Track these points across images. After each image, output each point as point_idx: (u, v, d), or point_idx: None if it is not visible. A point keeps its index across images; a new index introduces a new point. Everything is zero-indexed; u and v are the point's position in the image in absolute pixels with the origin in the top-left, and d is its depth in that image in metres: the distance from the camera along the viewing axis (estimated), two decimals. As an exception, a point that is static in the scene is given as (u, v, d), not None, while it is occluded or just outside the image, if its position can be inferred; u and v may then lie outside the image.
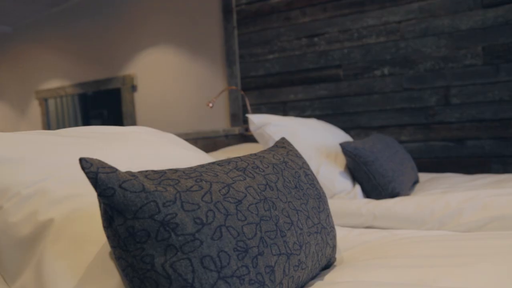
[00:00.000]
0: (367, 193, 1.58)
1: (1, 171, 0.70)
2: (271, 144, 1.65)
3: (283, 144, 0.95)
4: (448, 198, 1.31)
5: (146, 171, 0.61)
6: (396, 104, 2.73)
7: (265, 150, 0.88)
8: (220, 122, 3.29)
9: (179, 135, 1.96)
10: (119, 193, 0.55)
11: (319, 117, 2.94)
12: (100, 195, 0.55)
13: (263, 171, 0.76)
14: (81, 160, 0.55)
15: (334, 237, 0.88)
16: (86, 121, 4.32)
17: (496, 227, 1.21)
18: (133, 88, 3.64)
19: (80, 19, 3.91)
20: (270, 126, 1.65)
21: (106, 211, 0.56)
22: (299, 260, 0.70)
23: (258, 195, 0.68)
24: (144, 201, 0.55)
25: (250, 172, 0.73)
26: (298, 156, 0.92)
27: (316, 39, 2.97)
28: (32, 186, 0.69)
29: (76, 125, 4.24)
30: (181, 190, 0.59)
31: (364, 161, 1.53)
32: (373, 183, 1.54)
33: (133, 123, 3.67)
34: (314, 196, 0.84)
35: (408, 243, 0.93)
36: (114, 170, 0.56)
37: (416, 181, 1.85)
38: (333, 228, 0.88)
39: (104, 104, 4.23)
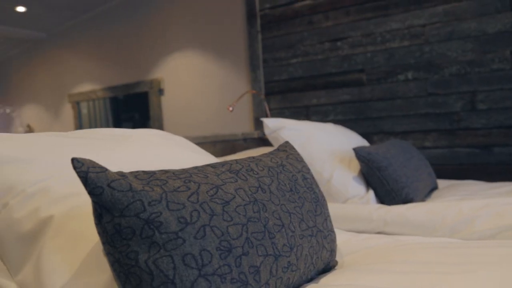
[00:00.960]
0: (381, 198, 1.57)
1: (9, 170, 0.74)
2: (285, 148, 1.66)
3: (284, 148, 0.96)
4: (461, 205, 1.28)
5: (137, 171, 0.64)
6: (420, 109, 2.68)
7: (265, 154, 0.90)
8: (243, 125, 3.32)
9: (197, 138, 2.00)
10: (107, 191, 0.58)
11: (342, 121, 2.93)
12: (90, 193, 0.57)
13: (257, 173, 0.77)
14: (73, 160, 0.58)
15: (333, 240, 0.88)
16: (118, 124, 4.44)
17: (510, 236, 1.17)
18: (160, 91, 3.72)
19: (110, 24, 4.04)
20: (284, 130, 1.66)
21: (96, 209, 0.58)
22: (289, 262, 0.71)
23: (248, 197, 0.70)
24: (131, 200, 0.58)
25: (243, 175, 0.75)
26: (299, 160, 0.93)
27: (339, 43, 2.95)
28: (36, 185, 0.73)
29: (108, 127, 4.37)
30: (168, 190, 0.61)
31: (377, 166, 1.52)
32: (387, 188, 1.52)
33: (160, 126, 3.75)
34: (310, 199, 0.84)
35: (410, 249, 0.92)
36: (104, 170, 0.59)
37: (434, 188, 1.82)
38: (332, 232, 0.88)
39: (134, 107, 4.34)
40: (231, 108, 2.28)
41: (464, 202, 1.29)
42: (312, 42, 3.05)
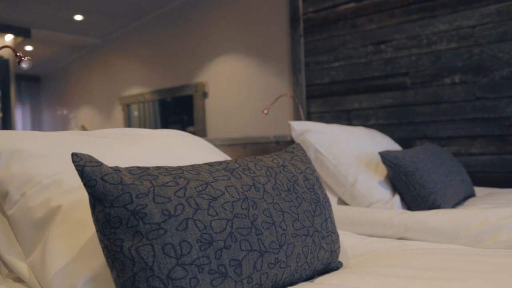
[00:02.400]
0: (408, 204, 1.53)
1: (30, 164, 0.83)
2: (311, 151, 1.67)
3: (292, 149, 0.98)
4: (487, 213, 1.23)
5: (132, 167, 0.69)
6: (467, 114, 2.57)
7: (269, 154, 0.92)
8: (283, 128, 3.35)
9: (227, 139, 2.05)
10: (100, 184, 0.63)
11: (383, 126, 2.87)
12: (85, 185, 0.63)
13: (254, 173, 0.80)
14: (73, 155, 0.64)
15: (333, 242, 0.89)
16: (165, 126, 4.60)
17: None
18: (204, 95, 3.84)
19: (159, 30, 4.22)
20: (311, 133, 1.67)
21: (90, 200, 0.64)
22: (277, 258, 0.73)
23: (239, 194, 0.73)
24: (120, 192, 0.63)
25: (238, 173, 0.78)
26: (304, 161, 0.95)
27: (382, 46, 2.90)
28: (51, 177, 0.81)
29: (156, 129, 4.55)
30: (156, 184, 0.66)
31: (404, 171, 1.49)
32: (413, 194, 1.48)
33: (204, 128, 3.86)
34: (310, 200, 0.86)
35: (412, 254, 0.91)
36: (99, 164, 0.65)
37: (469, 196, 1.74)
38: (332, 233, 0.89)
39: (182, 110, 4.49)
40: (266, 111, 2.31)
41: (490, 210, 1.24)
42: (355, 46, 3.02)
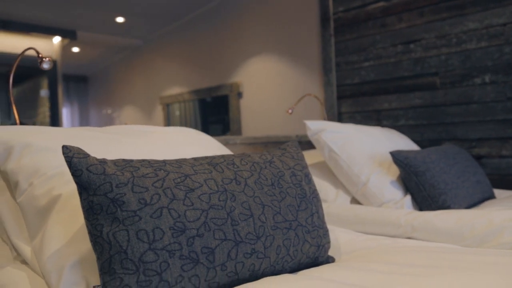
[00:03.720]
0: (419, 204, 1.52)
1: (39, 157, 0.91)
2: (326, 150, 1.69)
3: (285, 147, 1.02)
4: (492, 215, 1.21)
5: (118, 159, 0.75)
6: (497, 115, 2.49)
7: (260, 152, 0.96)
8: (312, 128, 3.35)
9: (248, 138, 2.09)
10: (85, 174, 0.70)
11: (413, 127, 2.82)
12: (72, 175, 0.70)
13: (238, 167, 0.85)
14: (63, 147, 0.71)
15: (320, 236, 0.92)
16: (205, 126, 4.69)
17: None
18: (239, 95, 3.91)
19: (195, 31, 4.34)
20: (325, 133, 1.69)
21: (77, 188, 0.71)
22: (254, 249, 0.77)
23: (218, 187, 0.78)
24: (102, 182, 0.69)
25: (221, 167, 0.82)
26: (295, 158, 0.98)
27: (412, 45, 2.85)
28: (56, 169, 0.89)
29: (196, 128, 4.67)
30: (136, 175, 0.72)
31: (414, 171, 1.48)
32: (423, 194, 1.47)
33: (239, 127, 3.93)
34: (295, 195, 0.89)
35: (401, 251, 0.92)
36: (86, 156, 0.72)
37: (488, 197, 1.70)
38: (319, 228, 0.92)
39: (221, 110, 4.56)
40: (290, 111, 2.34)
41: (496, 212, 1.22)
42: (385, 45, 2.99)
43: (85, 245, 0.76)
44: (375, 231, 1.40)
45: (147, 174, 0.73)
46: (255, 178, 0.85)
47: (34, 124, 4.09)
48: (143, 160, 0.77)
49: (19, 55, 1.26)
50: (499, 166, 2.48)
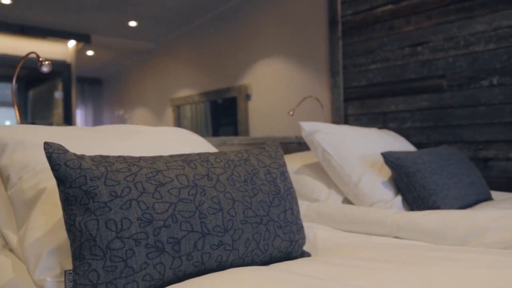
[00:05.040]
0: (410, 205, 1.53)
1: (29, 153, 0.98)
2: (319, 151, 1.72)
3: (264, 146, 1.06)
4: (476, 215, 1.22)
5: (96, 155, 0.81)
6: (505, 117, 2.47)
7: (237, 150, 1.01)
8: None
9: (246, 139, 2.13)
10: (63, 168, 0.75)
11: (420, 129, 2.82)
12: (52, 169, 0.76)
13: (211, 164, 0.89)
14: (45, 143, 0.77)
15: (293, 232, 0.95)
16: (216, 128, 4.76)
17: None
18: (247, 97, 3.96)
19: (205, 35, 4.42)
20: (319, 134, 1.72)
21: (56, 181, 0.76)
22: (221, 241, 0.81)
23: (189, 182, 0.82)
24: (77, 175, 0.75)
25: (194, 164, 0.87)
26: (272, 157, 1.02)
27: (419, 48, 2.85)
28: (44, 164, 0.95)
29: (206, 130, 4.76)
30: (110, 170, 0.77)
31: (405, 171, 1.49)
32: (414, 195, 1.49)
33: (246, 129, 3.98)
34: (268, 191, 0.93)
35: (370, 247, 0.95)
36: (65, 151, 0.77)
37: (484, 199, 1.69)
38: (292, 224, 0.95)
39: (232, 112, 4.62)
40: (291, 113, 2.38)
41: (479, 212, 1.23)
42: (392, 48, 2.99)
43: (63, 234, 0.82)
44: (364, 230, 1.43)
45: (120, 169, 0.78)
46: (228, 174, 0.89)
47: (50, 124, 4.24)
48: (119, 156, 0.82)
49: (22, 58, 1.33)
50: (506, 169, 2.46)
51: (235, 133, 4.26)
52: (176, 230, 0.76)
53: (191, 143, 1.27)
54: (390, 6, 3.01)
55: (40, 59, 1.27)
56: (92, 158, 0.80)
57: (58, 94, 4.94)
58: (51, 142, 0.78)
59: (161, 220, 0.75)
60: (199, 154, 0.92)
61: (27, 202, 0.90)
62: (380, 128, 2.99)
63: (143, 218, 0.74)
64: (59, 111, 4.90)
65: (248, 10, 3.98)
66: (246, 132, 4.01)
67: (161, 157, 0.88)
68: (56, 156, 0.76)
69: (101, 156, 0.81)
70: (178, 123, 4.81)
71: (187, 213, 0.78)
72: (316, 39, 3.48)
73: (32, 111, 5.52)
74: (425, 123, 2.81)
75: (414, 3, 2.86)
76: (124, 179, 0.77)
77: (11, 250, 0.96)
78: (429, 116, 2.79)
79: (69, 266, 0.79)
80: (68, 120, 4.83)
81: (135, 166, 0.80)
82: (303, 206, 1.66)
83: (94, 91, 6.70)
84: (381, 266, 0.80)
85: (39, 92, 5.41)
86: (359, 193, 1.60)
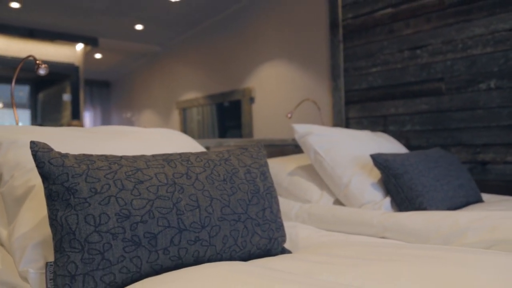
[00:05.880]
0: (398, 206, 1.56)
1: (22, 152, 1.03)
2: (312, 152, 1.75)
3: (247, 147, 1.10)
4: (458, 216, 1.24)
5: (80, 154, 0.85)
6: (502, 121, 2.48)
7: (220, 150, 1.05)
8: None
9: (243, 141, 2.17)
10: (47, 166, 0.80)
11: (419, 132, 2.83)
12: (37, 166, 0.80)
13: (191, 164, 0.93)
14: (31, 142, 0.82)
15: (272, 230, 0.99)
16: (223, 130, 4.79)
17: (503, 249, 1.12)
18: (251, 100, 4.00)
19: (210, 38, 4.48)
20: (312, 136, 1.75)
21: (41, 178, 0.81)
22: (198, 237, 0.85)
23: (168, 180, 0.86)
24: (60, 172, 0.79)
25: (175, 163, 0.91)
26: (254, 157, 1.05)
27: (418, 51, 2.87)
28: (34, 163, 1.00)
29: (213, 133, 4.80)
30: (91, 168, 0.81)
31: (393, 173, 1.52)
32: (401, 196, 1.51)
33: (250, 132, 4.02)
34: (247, 190, 0.97)
35: (345, 245, 0.98)
36: (49, 150, 0.82)
37: (474, 201, 1.71)
38: (271, 222, 0.99)
39: (238, 115, 4.64)
40: (289, 115, 2.41)
41: (462, 213, 1.25)
42: (392, 51, 3.01)
43: (48, 229, 0.87)
44: (352, 230, 1.45)
45: (101, 167, 0.83)
46: (207, 173, 0.93)
47: (61, 126, 4.33)
48: (102, 155, 0.87)
49: (22, 60, 1.39)
50: (504, 172, 2.47)
51: (241, 135, 4.31)
52: (153, 226, 0.80)
53: (180, 143, 1.31)
54: (389, 10, 3.03)
55: (37, 61, 1.33)
56: (76, 156, 0.84)
57: (67, 97, 5.04)
58: (37, 141, 0.83)
59: (138, 215, 0.79)
60: (180, 154, 0.96)
61: (17, 198, 0.95)
62: (380, 131, 3.01)
63: (120, 214, 0.78)
64: (68, 113, 5.00)
65: (252, 15, 4.03)
66: (250, 135, 4.06)
67: (143, 156, 0.92)
68: (41, 155, 0.81)
69: (84, 154, 0.86)
70: (184, 125, 4.87)
71: (164, 209, 0.83)
72: (318, 42, 3.52)
73: (42, 113, 5.64)
74: (424, 126, 2.83)
75: (413, 6, 2.88)
76: (104, 176, 0.81)
77: (2, 244, 1.01)
78: (428, 119, 2.81)
79: (52, 258, 0.84)
80: (76, 122, 4.94)
81: (116, 165, 0.84)
82: (296, 207, 1.70)
83: (102, 93, 6.80)
84: (351, 262, 0.83)
85: (48, 95, 5.53)
86: (349, 195, 1.63)
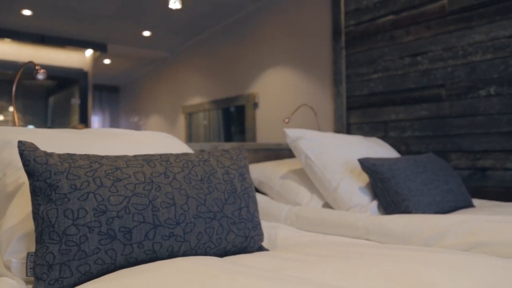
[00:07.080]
0: (385, 209, 1.59)
1: (14, 152, 1.09)
2: (302, 157, 1.79)
3: (228, 150, 1.14)
4: (440, 219, 1.27)
5: (64, 153, 0.91)
6: (502, 127, 2.48)
7: (198, 152, 1.09)
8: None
9: (236, 145, 2.21)
10: (32, 163, 0.86)
11: (419, 138, 2.85)
12: (23, 164, 0.86)
13: (170, 164, 0.98)
14: (18, 142, 0.88)
15: (249, 229, 1.03)
16: (228, 135, 4.85)
17: (481, 252, 1.14)
18: (255, 105, 4.06)
19: (216, 44, 4.55)
20: (303, 140, 1.79)
21: (27, 175, 0.87)
22: (172, 233, 0.90)
23: (145, 178, 0.92)
24: (44, 170, 0.85)
25: (154, 163, 0.96)
26: (234, 159, 1.10)
27: (419, 58, 2.89)
28: (26, 161, 1.06)
29: (219, 137, 4.87)
30: (73, 166, 0.87)
31: (380, 177, 1.55)
32: (388, 200, 1.54)
33: (253, 137, 4.07)
34: (223, 190, 1.01)
35: (320, 245, 1.02)
36: (35, 149, 0.88)
37: (463, 206, 1.72)
38: (248, 221, 1.03)
39: (242, 120, 4.70)
40: (287, 120, 2.46)
41: (443, 217, 1.28)
42: (393, 58, 3.04)
43: (31, 223, 0.92)
44: (337, 233, 1.49)
45: (82, 165, 0.88)
46: (185, 173, 0.98)
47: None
48: (85, 155, 0.93)
49: (22, 66, 1.46)
50: (504, 179, 2.47)
51: (245, 140, 4.36)
52: (128, 221, 0.85)
53: (168, 144, 1.37)
54: (391, 17, 3.06)
55: (36, 67, 1.40)
56: (60, 155, 0.90)
57: (75, 101, 5.17)
58: (24, 141, 0.89)
59: (114, 211, 0.84)
60: (161, 155, 1.01)
61: (8, 195, 1.01)
62: (381, 137, 3.03)
63: (98, 209, 0.83)
64: (76, 117, 5.13)
65: (256, 22, 4.10)
66: (253, 140, 4.11)
67: (125, 156, 0.97)
68: (27, 153, 0.86)
69: (68, 154, 0.91)
70: (189, 130, 4.94)
71: (140, 206, 0.88)
72: (321, 49, 3.56)
73: (52, 117, 5.79)
74: (424, 132, 2.84)
75: (414, 14, 2.91)
76: (85, 174, 0.87)
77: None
78: (429, 125, 2.82)
79: (34, 250, 0.89)
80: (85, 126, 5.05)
81: (97, 163, 0.90)
82: (285, 210, 1.74)
83: (111, 98, 6.94)
84: (319, 259, 0.87)
85: (58, 99, 5.67)
86: (338, 198, 1.67)
